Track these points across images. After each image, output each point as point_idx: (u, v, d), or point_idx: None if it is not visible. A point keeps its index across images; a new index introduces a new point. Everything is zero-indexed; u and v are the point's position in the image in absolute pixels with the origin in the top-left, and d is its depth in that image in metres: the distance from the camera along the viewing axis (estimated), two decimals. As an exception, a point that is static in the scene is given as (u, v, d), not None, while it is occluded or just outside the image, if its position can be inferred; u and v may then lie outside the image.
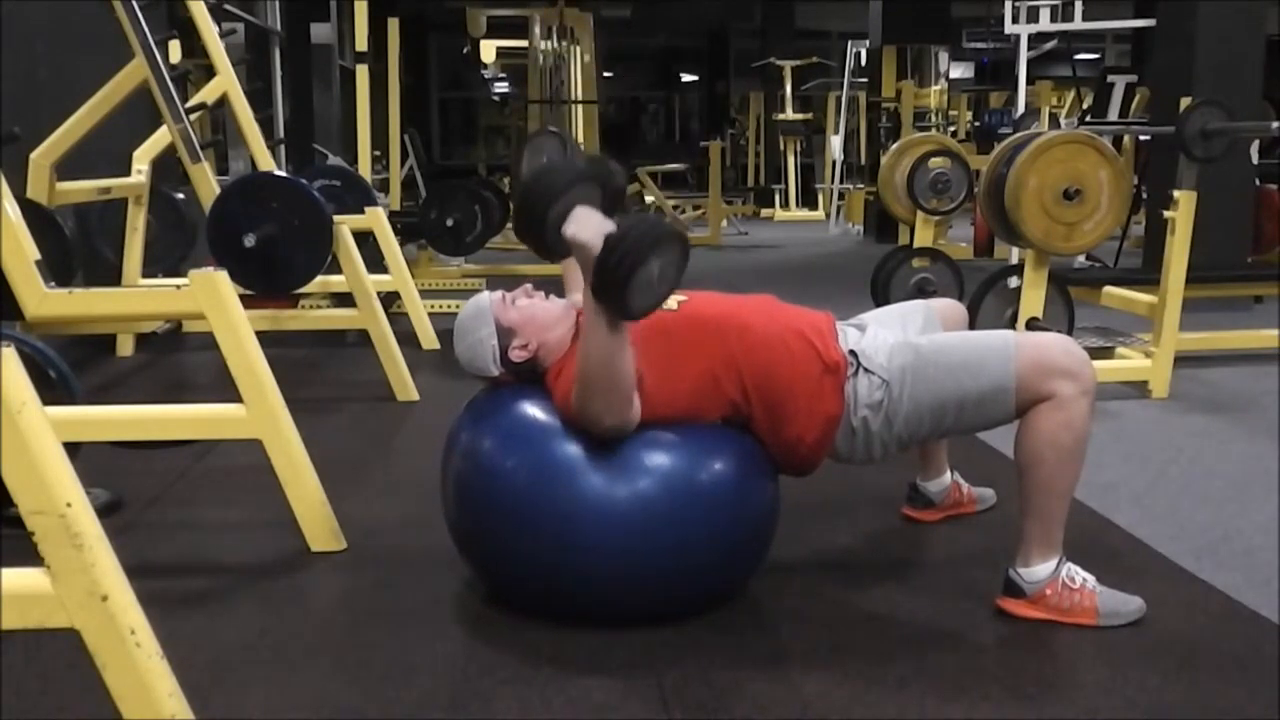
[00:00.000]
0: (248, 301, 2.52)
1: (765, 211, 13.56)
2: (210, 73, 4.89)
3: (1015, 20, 6.19)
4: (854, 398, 2.06)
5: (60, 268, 3.55)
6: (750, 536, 2.05)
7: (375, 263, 4.55)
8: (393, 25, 7.15)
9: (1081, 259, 5.96)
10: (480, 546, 2.08)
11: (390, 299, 4.96)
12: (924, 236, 5.31)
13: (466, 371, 2.16)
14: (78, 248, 4.18)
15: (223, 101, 4.86)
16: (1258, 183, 5.69)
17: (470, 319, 2.13)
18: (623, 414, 1.89)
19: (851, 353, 2.08)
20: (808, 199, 13.80)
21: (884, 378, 2.05)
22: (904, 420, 2.05)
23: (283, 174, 4.96)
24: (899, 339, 2.14)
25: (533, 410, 2.02)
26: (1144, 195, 6.34)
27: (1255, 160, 5.60)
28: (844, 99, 11.45)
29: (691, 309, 2.09)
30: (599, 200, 1.82)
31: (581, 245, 1.76)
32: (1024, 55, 6.27)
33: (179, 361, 4.69)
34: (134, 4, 3.94)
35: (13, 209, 2.43)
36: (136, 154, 4.53)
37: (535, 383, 2.10)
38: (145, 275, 4.56)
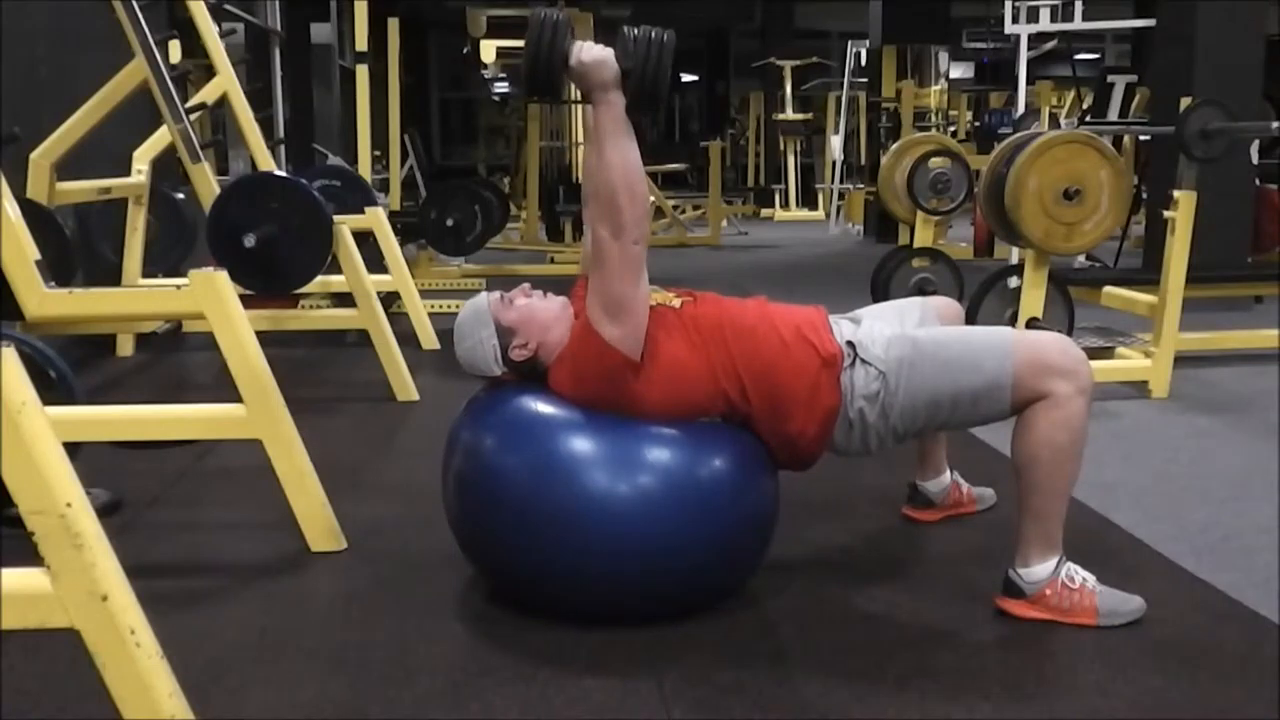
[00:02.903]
0: (248, 301, 2.52)
1: (765, 211, 13.56)
2: (210, 73, 4.89)
3: (1015, 20, 6.18)
4: (851, 389, 2.06)
5: (60, 268, 3.55)
6: (750, 536, 2.05)
7: (375, 263, 4.55)
8: (393, 25, 7.15)
9: (1081, 259, 5.96)
10: (482, 545, 2.09)
11: (390, 299, 4.96)
12: (924, 236, 5.31)
13: (468, 373, 2.16)
14: (78, 248, 4.19)
15: (223, 101, 4.86)
16: (1258, 183, 5.69)
17: (469, 320, 2.13)
18: (642, 210, 1.95)
19: (849, 343, 2.08)
20: (808, 199, 13.80)
21: (881, 369, 2.05)
22: (900, 412, 2.05)
23: (283, 174, 4.96)
24: (896, 331, 2.14)
25: (534, 408, 2.02)
26: (1144, 195, 6.34)
27: (1255, 160, 5.59)
28: (844, 99, 11.45)
29: (692, 310, 2.10)
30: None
31: (600, 60, 1.90)
32: (1024, 55, 6.27)
33: (179, 361, 4.69)
34: (134, 4, 3.93)
35: (13, 209, 2.43)
36: (136, 154, 4.53)
37: (535, 381, 2.10)
38: (145, 275, 4.56)
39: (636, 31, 1.92)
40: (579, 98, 9.37)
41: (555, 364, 2.07)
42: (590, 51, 1.92)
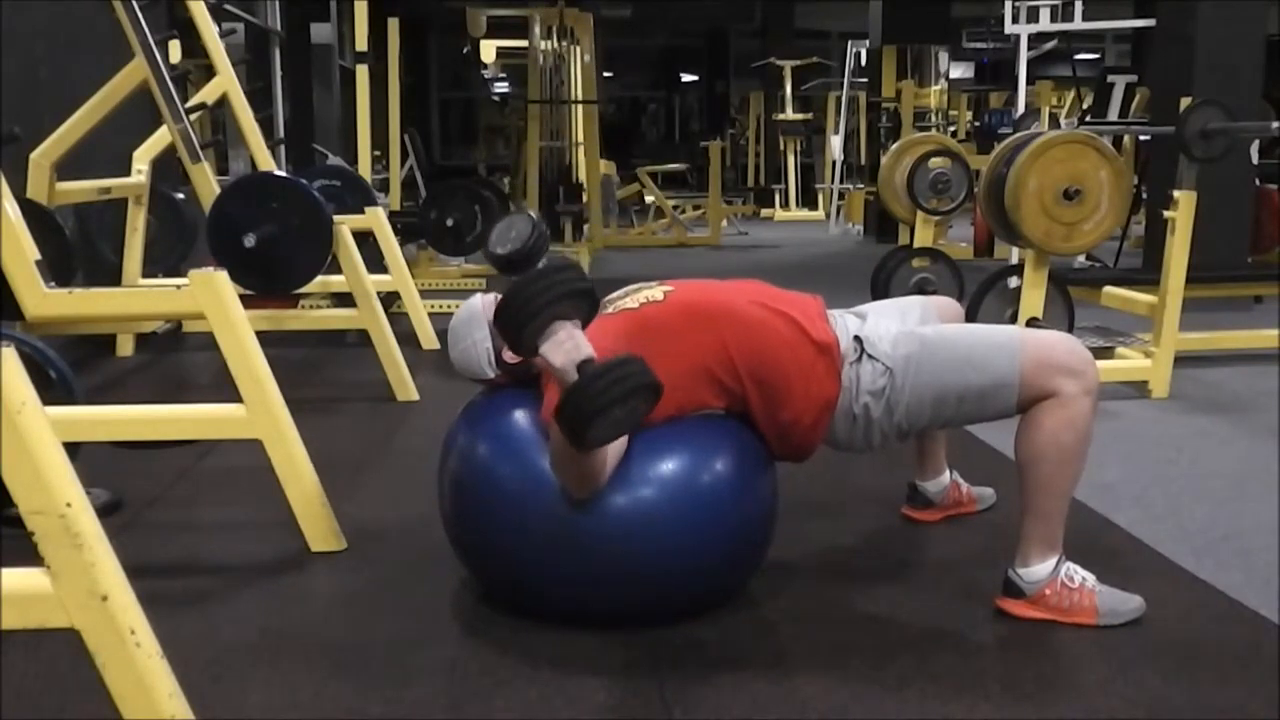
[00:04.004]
0: (248, 301, 2.52)
1: (765, 211, 13.55)
2: (210, 73, 4.89)
3: (1015, 20, 6.18)
4: (856, 384, 2.05)
5: (60, 268, 3.55)
6: (750, 536, 2.05)
7: (375, 263, 4.54)
8: (393, 25, 7.15)
9: (1081, 259, 5.96)
10: (477, 549, 2.08)
11: (390, 299, 4.96)
12: (924, 236, 5.31)
13: (462, 376, 2.16)
14: (78, 248, 4.19)
15: (223, 101, 4.86)
16: (1258, 183, 5.69)
17: (463, 323, 2.12)
18: (587, 495, 1.87)
19: (856, 339, 2.07)
20: (808, 199, 13.80)
21: (888, 365, 2.04)
22: (905, 409, 2.04)
23: (283, 174, 4.96)
24: (902, 328, 2.13)
25: (528, 413, 2.02)
26: (1144, 195, 6.34)
27: (1255, 160, 5.60)
28: (844, 99, 11.45)
29: (679, 298, 2.08)
30: (583, 313, 1.78)
31: (553, 369, 1.71)
32: (1024, 55, 6.27)
33: (179, 361, 4.69)
34: (134, 4, 3.94)
35: (13, 209, 2.43)
36: (136, 154, 4.53)
37: (531, 385, 2.09)
38: (145, 275, 4.56)
39: (600, 368, 1.66)
40: (584, 97, 9.30)
41: (546, 376, 2.05)
42: (557, 353, 1.69)
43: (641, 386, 1.67)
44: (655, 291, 2.10)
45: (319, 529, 2.41)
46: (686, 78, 22.33)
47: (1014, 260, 5.20)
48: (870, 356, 2.05)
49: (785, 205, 13.54)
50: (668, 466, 1.94)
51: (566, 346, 1.69)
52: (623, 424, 1.72)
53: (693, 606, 2.03)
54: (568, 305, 1.71)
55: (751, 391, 2.04)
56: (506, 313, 1.70)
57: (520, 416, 2.02)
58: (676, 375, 1.97)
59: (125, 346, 4.68)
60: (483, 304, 2.12)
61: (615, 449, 1.87)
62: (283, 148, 6.56)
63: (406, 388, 3.90)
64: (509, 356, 2.08)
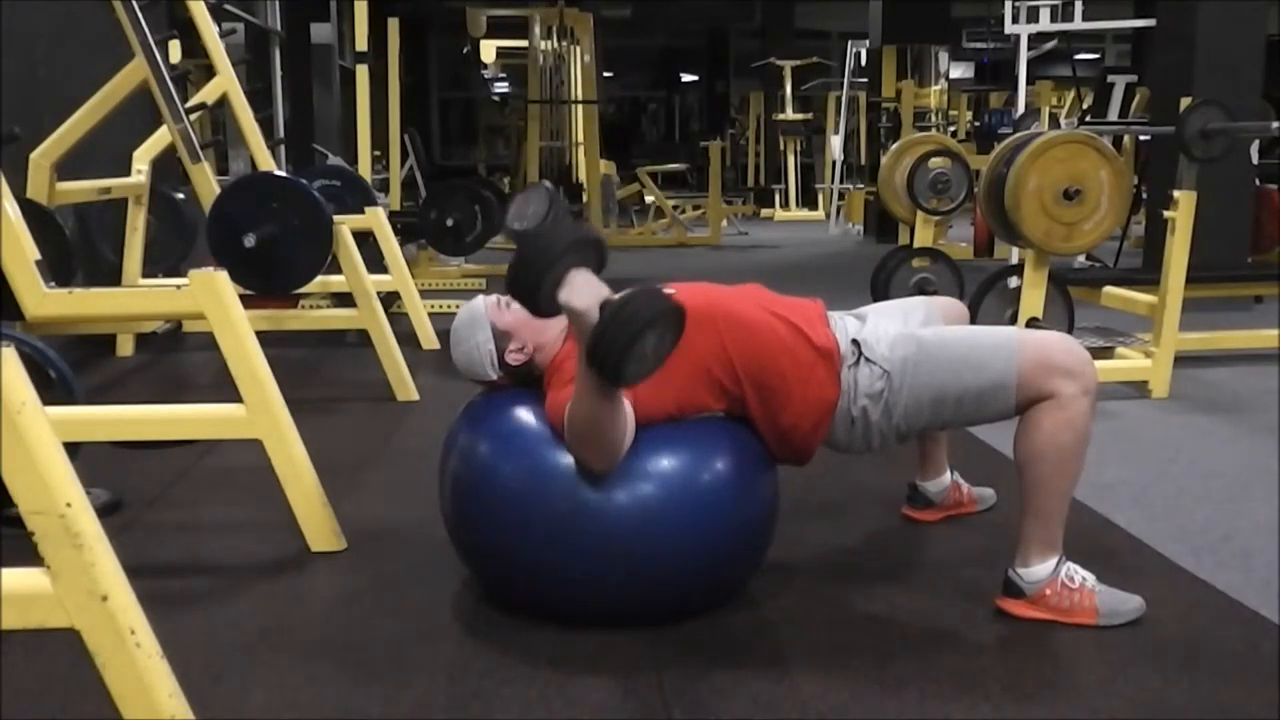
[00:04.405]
0: (248, 301, 2.52)
1: (765, 211, 13.56)
2: (210, 73, 4.89)
3: (1015, 20, 6.18)
4: (854, 387, 2.06)
5: (60, 268, 3.56)
6: (750, 536, 2.05)
7: (375, 263, 4.55)
8: (393, 25, 7.15)
9: (1081, 259, 5.96)
10: (478, 549, 2.08)
11: (390, 299, 4.96)
12: (924, 236, 5.31)
13: (464, 377, 2.16)
14: (78, 248, 4.19)
15: (223, 101, 4.86)
16: (1258, 183, 5.69)
17: (465, 325, 2.13)
18: (610, 464, 1.88)
19: (854, 342, 2.08)
20: (808, 199, 13.80)
21: (885, 368, 2.05)
22: (903, 411, 2.05)
23: (283, 174, 4.96)
24: (901, 330, 2.14)
25: (530, 412, 2.02)
26: (1144, 195, 6.33)
27: (1255, 160, 5.60)
28: (844, 99, 11.45)
29: (681, 301, 2.08)
30: (594, 263, 1.79)
31: (578, 313, 1.72)
32: (1024, 55, 6.27)
33: (179, 361, 4.69)
34: (134, 4, 3.94)
35: (13, 209, 2.43)
36: (136, 154, 4.53)
37: (532, 385, 2.10)
38: (145, 275, 4.56)
39: (623, 301, 1.69)
40: (584, 96, 9.31)
41: (551, 368, 2.06)
42: (580, 297, 1.72)
43: (668, 310, 1.70)
44: None
45: (319, 529, 2.41)
46: (686, 78, 22.34)
47: (1014, 260, 5.20)
48: (868, 359, 2.06)
49: (785, 205, 13.54)
50: (669, 465, 1.94)
51: (587, 291, 1.72)
52: (656, 352, 1.73)
53: (693, 606, 2.03)
54: (579, 255, 1.73)
55: (751, 395, 2.04)
56: (520, 271, 1.70)
57: (521, 416, 2.02)
58: (677, 375, 1.97)
59: (125, 346, 4.68)
60: (485, 306, 2.12)
61: (630, 419, 1.88)
62: (283, 148, 6.56)
63: (406, 388, 3.90)
64: (510, 359, 2.09)
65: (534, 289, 1.72)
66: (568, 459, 1.92)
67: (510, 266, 1.74)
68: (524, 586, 2.03)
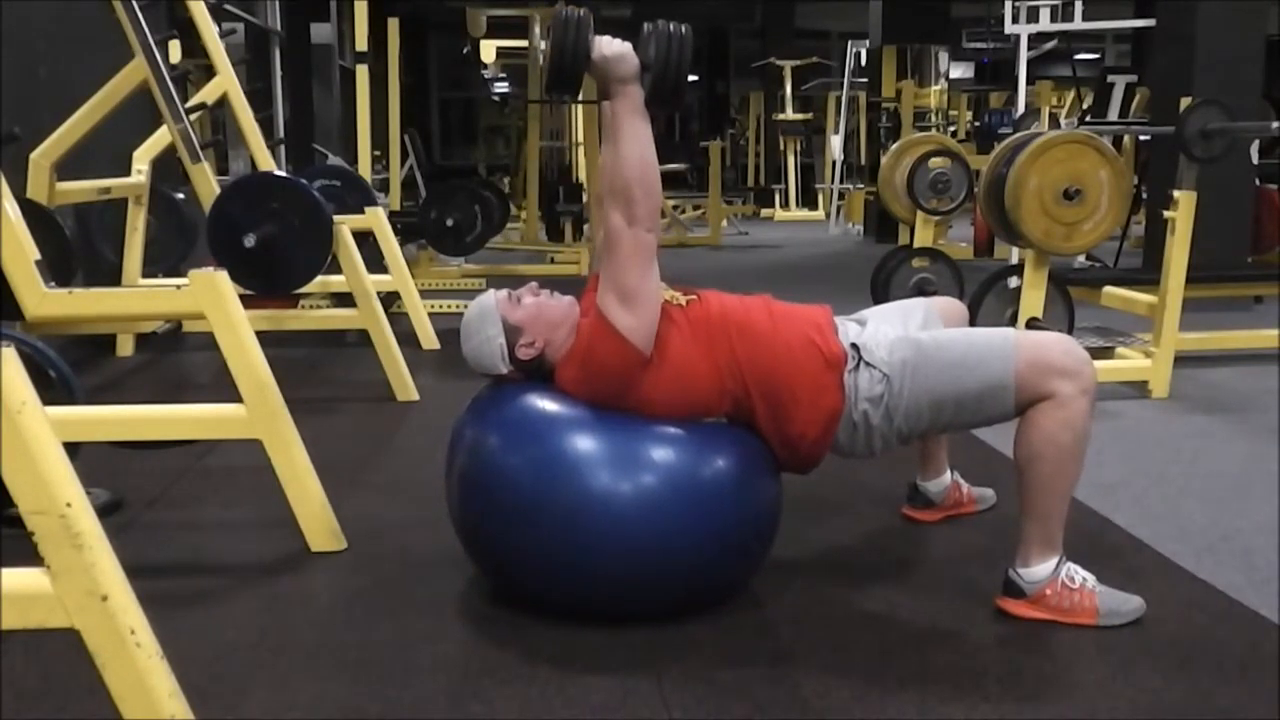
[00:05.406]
0: (248, 301, 2.52)
1: (765, 211, 13.56)
2: (210, 73, 4.89)
3: (1015, 20, 6.18)
4: (855, 391, 2.06)
5: (60, 268, 3.55)
6: (752, 536, 2.05)
7: (375, 263, 4.55)
8: (393, 25, 7.15)
9: (1081, 259, 5.96)
10: (485, 543, 2.08)
11: (390, 299, 4.96)
12: (924, 236, 5.31)
13: (474, 371, 2.16)
14: (78, 248, 4.18)
15: (223, 101, 4.86)
16: (1258, 183, 5.69)
17: (476, 319, 2.13)
18: (659, 200, 2.01)
19: (853, 346, 2.09)
20: (808, 199, 13.80)
21: (885, 372, 2.05)
22: (903, 414, 2.05)
23: (283, 174, 4.96)
24: (900, 334, 2.14)
25: (538, 406, 2.02)
26: (1144, 195, 6.34)
27: (1255, 160, 5.60)
28: (844, 99, 11.46)
29: (697, 309, 2.10)
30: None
31: (620, 55, 1.95)
32: (1024, 55, 6.27)
33: (179, 361, 4.69)
34: (134, 4, 3.94)
35: (13, 209, 2.43)
36: (136, 154, 4.54)
37: (542, 380, 2.10)
38: (145, 275, 4.56)
39: (656, 26, 1.97)
40: (585, 97, 9.35)
41: (562, 362, 2.07)
42: (612, 46, 1.96)
43: (685, 33, 1.96)
44: (680, 298, 2.13)
45: (319, 529, 2.41)
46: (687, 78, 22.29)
47: (1014, 260, 5.19)
48: (867, 364, 2.06)
49: (785, 205, 13.55)
50: (672, 465, 1.95)
51: (615, 42, 1.97)
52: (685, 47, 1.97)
53: (693, 606, 2.03)
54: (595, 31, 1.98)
55: (759, 405, 2.06)
56: (558, 54, 1.93)
57: (529, 409, 2.03)
58: (687, 379, 2.01)
59: (125, 346, 4.68)
60: (495, 300, 2.13)
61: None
62: (283, 148, 6.56)
63: (406, 388, 3.90)
64: (521, 354, 2.09)
65: (572, 54, 1.93)
66: (575, 452, 1.93)
67: (550, 55, 1.95)
68: (529, 579, 2.03)
